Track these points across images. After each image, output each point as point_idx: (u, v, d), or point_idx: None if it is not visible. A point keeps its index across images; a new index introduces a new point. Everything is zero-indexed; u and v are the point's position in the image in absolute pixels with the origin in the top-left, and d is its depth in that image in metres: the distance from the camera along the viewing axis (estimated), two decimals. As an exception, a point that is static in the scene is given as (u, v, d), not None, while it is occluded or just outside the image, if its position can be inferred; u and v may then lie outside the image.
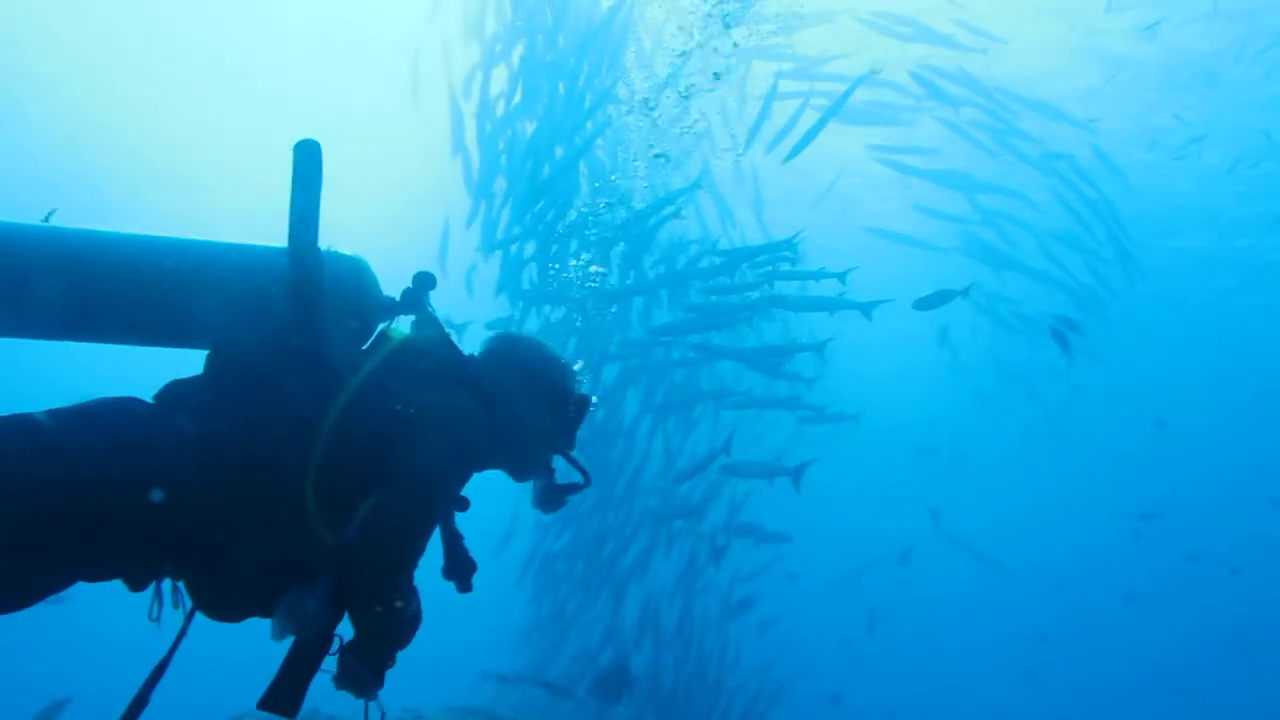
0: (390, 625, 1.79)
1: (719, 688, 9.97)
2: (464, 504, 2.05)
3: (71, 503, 1.58)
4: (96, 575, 1.71)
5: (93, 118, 19.65)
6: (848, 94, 9.31)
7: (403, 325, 2.11)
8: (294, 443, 1.79)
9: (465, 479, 2.00)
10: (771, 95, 9.58)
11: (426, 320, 2.08)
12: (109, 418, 1.72)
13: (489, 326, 8.58)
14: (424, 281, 2.09)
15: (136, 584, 1.79)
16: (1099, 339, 14.29)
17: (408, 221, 16.30)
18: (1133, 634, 26.68)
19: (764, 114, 9.48)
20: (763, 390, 9.85)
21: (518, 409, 2.10)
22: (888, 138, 13.21)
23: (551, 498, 2.22)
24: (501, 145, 8.84)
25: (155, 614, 1.83)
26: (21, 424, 1.62)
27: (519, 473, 2.20)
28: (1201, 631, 27.34)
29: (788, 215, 15.15)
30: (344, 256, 1.98)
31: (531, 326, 8.85)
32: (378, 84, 16.50)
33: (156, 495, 1.66)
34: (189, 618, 1.87)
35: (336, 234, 1.99)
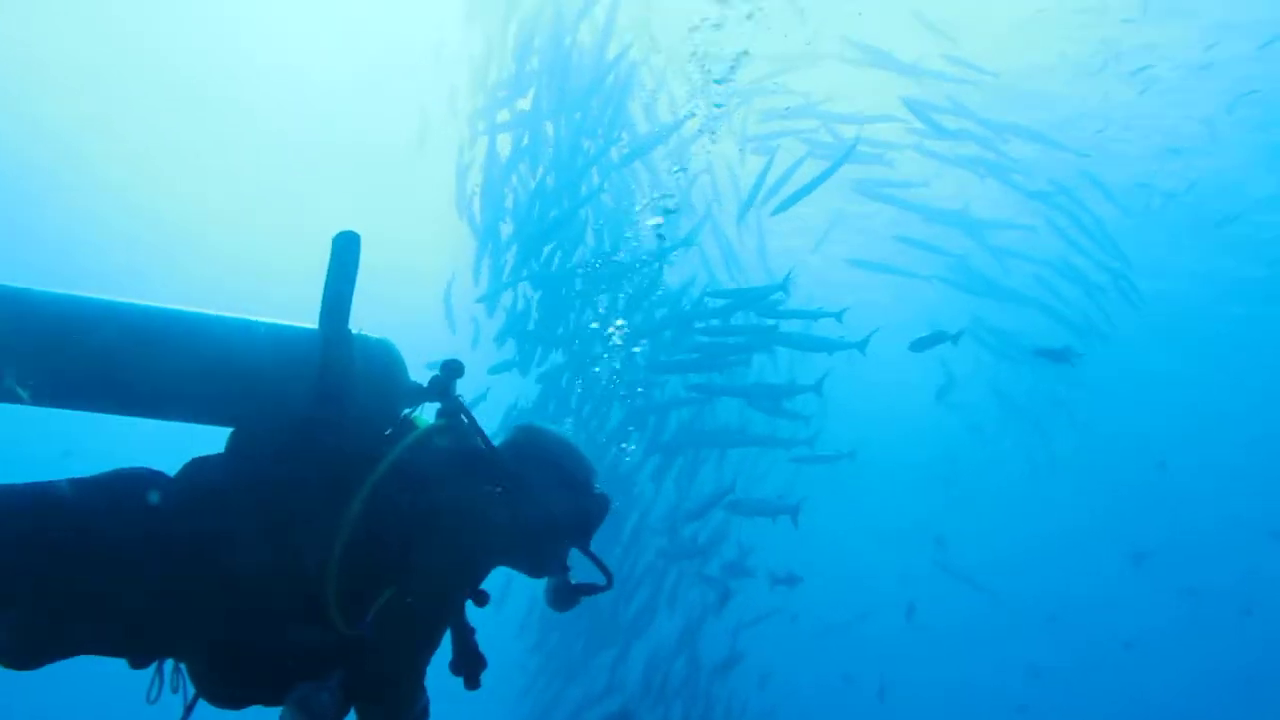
0: None
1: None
2: (483, 598, 2.00)
3: (83, 572, 1.61)
4: (101, 649, 1.71)
5: (108, 179, 19.77)
6: (837, 165, 9.47)
7: (427, 411, 2.08)
8: (316, 530, 1.77)
9: (482, 577, 1.98)
10: (768, 166, 9.75)
11: (453, 408, 2.04)
12: (130, 490, 1.73)
13: (491, 372, 8.59)
14: (451, 369, 2.05)
15: (139, 661, 1.79)
16: (1099, 371, 14.26)
17: (413, 268, 16.35)
18: (1131, 674, 26.34)
19: (761, 179, 9.64)
20: (762, 428, 9.79)
21: (540, 502, 2.07)
22: (884, 172, 13.27)
23: (566, 596, 2.14)
24: (508, 195, 8.88)
25: (153, 696, 1.83)
26: (42, 490, 1.66)
27: (534, 569, 2.15)
28: (1203, 674, 26.94)
29: (790, 245, 15.21)
30: (373, 340, 1.97)
31: (534, 370, 8.83)
32: (384, 133, 16.61)
33: (171, 570, 1.67)
34: (189, 708, 1.86)
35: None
